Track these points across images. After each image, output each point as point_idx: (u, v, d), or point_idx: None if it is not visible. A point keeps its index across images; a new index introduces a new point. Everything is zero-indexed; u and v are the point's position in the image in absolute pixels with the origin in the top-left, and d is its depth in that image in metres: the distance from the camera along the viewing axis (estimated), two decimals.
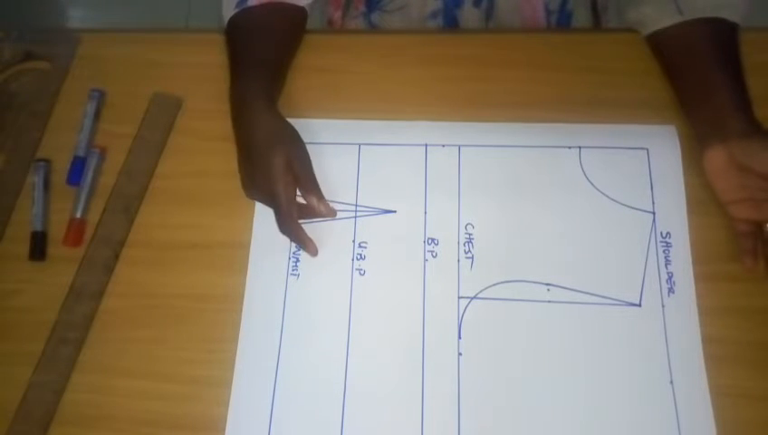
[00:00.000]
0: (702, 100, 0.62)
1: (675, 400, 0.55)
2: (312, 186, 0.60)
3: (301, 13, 0.70)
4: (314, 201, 0.59)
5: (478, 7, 0.80)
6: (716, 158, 0.59)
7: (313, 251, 0.61)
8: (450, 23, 0.82)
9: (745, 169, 0.57)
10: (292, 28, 0.71)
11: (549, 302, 0.59)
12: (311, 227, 0.62)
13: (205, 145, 0.68)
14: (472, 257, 0.61)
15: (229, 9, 0.68)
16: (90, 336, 0.61)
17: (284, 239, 0.62)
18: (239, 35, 0.68)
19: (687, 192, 0.62)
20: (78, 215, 0.65)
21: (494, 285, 0.60)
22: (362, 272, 0.61)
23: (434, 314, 0.59)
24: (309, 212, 0.61)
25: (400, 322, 0.59)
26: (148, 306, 0.62)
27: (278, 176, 0.58)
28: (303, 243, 0.60)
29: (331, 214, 0.60)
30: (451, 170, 0.65)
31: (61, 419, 0.58)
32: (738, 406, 0.55)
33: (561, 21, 0.83)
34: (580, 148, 0.65)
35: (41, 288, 0.63)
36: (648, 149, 0.64)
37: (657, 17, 0.66)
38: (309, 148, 0.64)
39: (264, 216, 0.64)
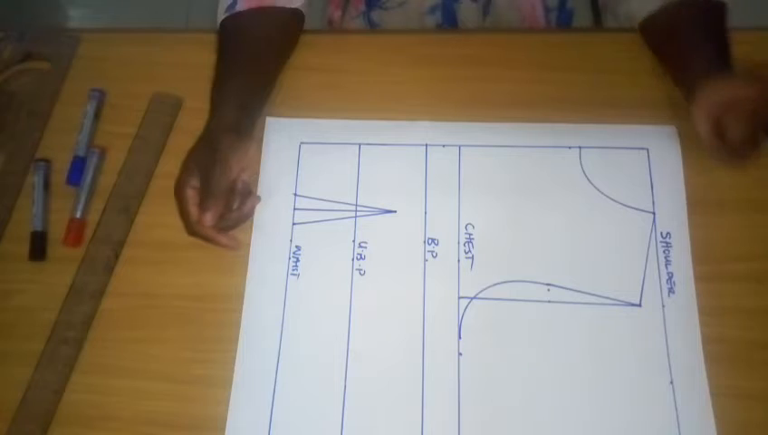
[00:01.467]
0: (685, 68, 0.62)
1: (675, 400, 0.55)
2: (205, 204, 0.59)
3: (293, 15, 0.70)
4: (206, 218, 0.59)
5: (476, 2, 0.80)
6: (700, 108, 0.58)
7: (234, 245, 0.61)
8: (449, 18, 0.82)
9: (725, 108, 0.57)
10: (283, 32, 0.70)
11: (549, 302, 0.59)
12: (311, 228, 0.63)
13: None
14: (472, 257, 0.61)
15: (221, 12, 0.69)
16: (90, 336, 0.61)
17: (284, 239, 0.63)
18: (226, 41, 0.68)
19: (687, 192, 0.62)
20: (78, 215, 0.65)
21: (494, 285, 0.60)
22: (362, 272, 0.61)
23: (434, 314, 0.59)
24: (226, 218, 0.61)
25: (400, 322, 0.59)
26: (148, 306, 0.62)
27: (183, 182, 0.60)
28: (215, 241, 0.61)
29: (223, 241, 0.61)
30: (451, 170, 0.65)
31: (61, 419, 0.58)
32: (738, 406, 0.55)
33: (562, 19, 0.83)
34: (580, 148, 0.65)
35: (41, 288, 0.63)
36: (648, 149, 0.64)
37: (643, 5, 0.66)
38: (309, 147, 0.65)
39: (264, 216, 0.64)
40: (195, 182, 0.60)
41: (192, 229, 0.60)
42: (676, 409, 0.55)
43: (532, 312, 0.59)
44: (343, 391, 0.57)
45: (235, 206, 0.62)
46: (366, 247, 0.62)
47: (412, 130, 0.67)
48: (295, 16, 0.71)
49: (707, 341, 0.57)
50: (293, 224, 0.64)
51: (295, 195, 0.65)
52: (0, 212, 0.66)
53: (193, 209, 0.60)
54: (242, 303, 0.61)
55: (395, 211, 0.64)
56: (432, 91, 0.69)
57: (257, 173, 0.66)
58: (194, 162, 0.61)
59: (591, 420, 0.55)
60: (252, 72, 0.66)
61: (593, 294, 0.59)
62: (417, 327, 0.59)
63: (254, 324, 0.60)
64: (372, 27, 0.86)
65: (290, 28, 0.71)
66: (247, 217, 0.63)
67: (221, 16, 0.69)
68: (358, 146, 0.67)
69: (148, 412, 0.58)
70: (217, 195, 0.60)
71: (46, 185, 0.67)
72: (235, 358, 0.59)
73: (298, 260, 0.62)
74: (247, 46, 0.67)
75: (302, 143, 0.67)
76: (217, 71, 0.67)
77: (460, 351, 0.58)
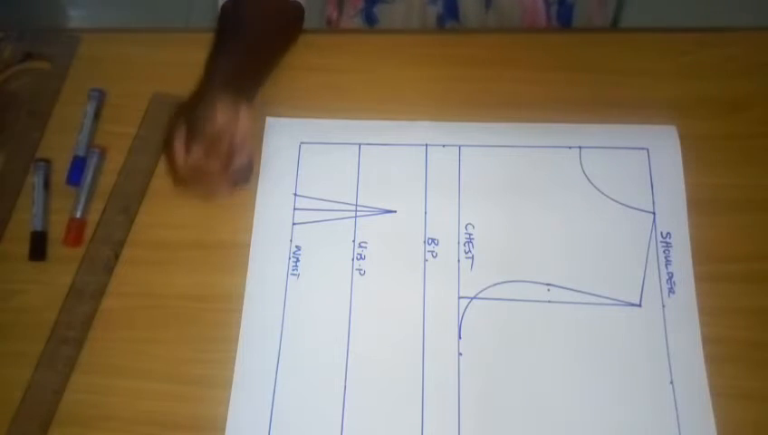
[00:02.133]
0: None
1: (675, 400, 0.55)
2: (189, 147, 0.58)
3: (293, 6, 0.70)
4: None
5: None
6: None
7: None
8: (450, 8, 0.82)
9: None
10: (282, 16, 0.70)
11: (549, 302, 0.59)
12: (311, 228, 0.63)
13: None
14: (472, 257, 0.61)
15: None
16: (90, 336, 0.61)
17: (284, 239, 0.63)
18: (224, 21, 0.67)
19: (687, 192, 0.62)
20: (78, 215, 0.65)
21: (494, 285, 0.60)
22: (362, 272, 0.61)
23: (434, 314, 0.59)
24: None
25: (400, 322, 0.59)
26: (148, 306, 0.62)
27: (171, 129, 0.59)
28: (203, 183, 0.59)
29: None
30: (451, 170, 0.65)
31: (61, 419, 0.58)
32: (738, 406, 0.55)
33: (562, 13, 0.83)
34: (580, 148, 0.65)
35: (41, 288, 0.63)
36: (648, 149, 0.64)
37: None
38: (309, 147, 0.65)
39: (264, 216, 0.64)
40: (182, 131, 0.59)
41: (177, 177, 0.59)
42: (676, 409, 0.55)
43: (532, 312, 0.59)
44: (343, 391, 0.57)
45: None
46: (366, 247, 0.62)
47: (412, 130, 0.67)
48: (295, 9, 0.70)
49: (707, 341, 0.57)
50: (293, 224, 0.64)
51: (295, 195, 0.65)
52: (0, 212, 0.66)
53: (179, 151, 0.58)
54: (242, 303, 0.61)
55: (395, 211, 0.64)
56: (432, 91, 0.69)
57: (253, 137, 0.64)
58: (180, 110, 0.60)
59: (591, 419, 0.55)
60: (249, 51, 0.65)
61: (593, 295, 0.59)
62: (417, 327, 0.59)
63: (254, 324, 0.60)
64: (371, 24, 0.86)
65: (289, 15, 0.70)
66: (244, 177, 0.62)
67: (221, 1, 0.68)
68: (358, 146, 0.67)
69: (148, 412, 0.58)
70: (200, 140, 0.57)
71: (46, 185, 0.67)
72: (235, 358, 0.59)
73: (298, 260, 0.62)
74: (246, 27, 0.66)
75: (302, 143, 0.67)
76: (214, 46, 0.65)
77: (460, 351, 0.58)
